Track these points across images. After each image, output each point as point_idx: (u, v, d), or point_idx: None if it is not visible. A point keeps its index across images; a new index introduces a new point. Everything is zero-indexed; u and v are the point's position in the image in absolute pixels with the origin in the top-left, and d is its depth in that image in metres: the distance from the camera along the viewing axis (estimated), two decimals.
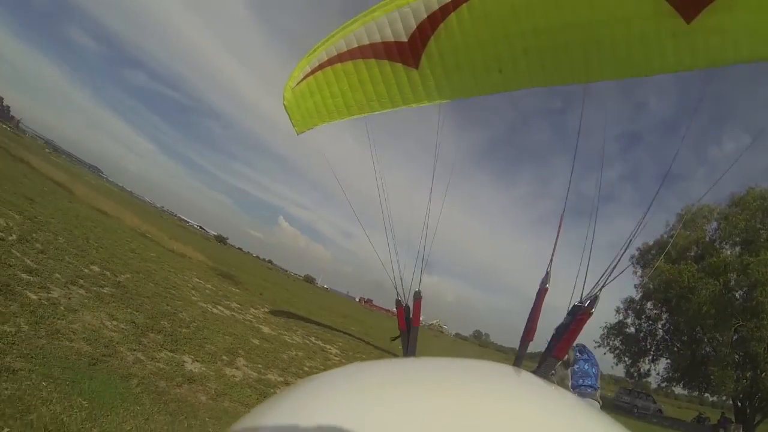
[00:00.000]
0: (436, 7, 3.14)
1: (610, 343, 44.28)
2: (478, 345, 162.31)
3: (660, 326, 43.00)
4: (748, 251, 33.83)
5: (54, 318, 6.95)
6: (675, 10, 2.74)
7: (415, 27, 3.20)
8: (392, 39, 3.32)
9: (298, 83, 4.17)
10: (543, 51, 3.14)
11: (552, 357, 1.89)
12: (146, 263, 16.36)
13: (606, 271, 2.09)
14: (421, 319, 2.83)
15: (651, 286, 40.74)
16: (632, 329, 43.92)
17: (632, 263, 42.44)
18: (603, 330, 44.82)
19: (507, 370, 0.86)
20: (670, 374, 42.11)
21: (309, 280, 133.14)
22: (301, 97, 4.29)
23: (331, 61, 3.80)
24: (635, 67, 3.15)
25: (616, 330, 44.24)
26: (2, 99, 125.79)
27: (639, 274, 42.37)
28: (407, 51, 3.36)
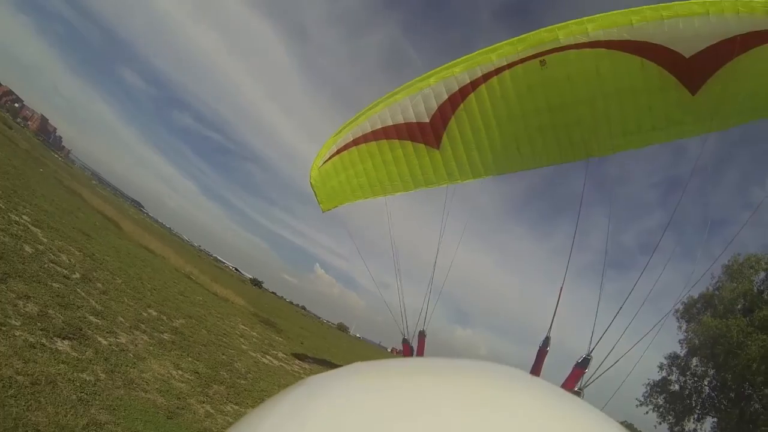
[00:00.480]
0: (456, 88, 3.22)
1: (653, 401, 41.15)
2: None
3: (706, 383, 39.96)
4: None
5: (126, 366, 6.83)
6: (680, 83, 2.87)
7: (437, 108, 3.26)
8: (414, 120, 3.37)
9: (324, 162, 4.19)
10: (557, 128, 3.22)
11: None
12: (195, 308, 16.38)
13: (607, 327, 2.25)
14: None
15: (696, 342, 38.43)
16: (676, 386, 40.81)
17: (677, 318, 40.20)
18: (646, 388, 42.10)
19: (516, 372, 0.84)
20: None
21: (342, 328, 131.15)
22: (326, 177, 4.29)
23: (356, 142, 3.81)
24: (644, 138, 3.29)
25: (659, 387, 41.26)
26: (55, 129, 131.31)
27: (684, 329, 39.97)
28: (429, 132, 3.41)
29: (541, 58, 3.13)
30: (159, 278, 18.04)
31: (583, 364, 2.39)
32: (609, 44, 2.96)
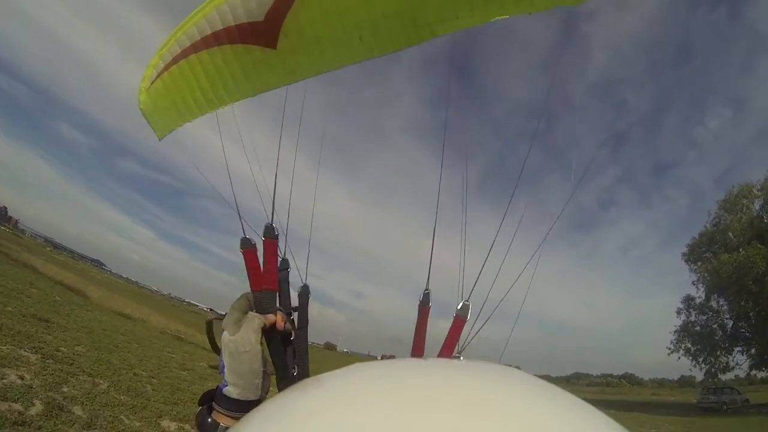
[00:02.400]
0: None
1: (683, 345, 42.65)
2: None
3: (728, 317, 41.02)
4: None
5: None
6: None
7: (270, 5, 2.83)
8: (246, 20, 2.93)
9: (152, 82, 3.40)
10: (400, 11, 2.90)
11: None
12: (207, 384, 12.23)
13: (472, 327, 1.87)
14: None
15: (712, 280, 38.74)
16: (697, 328, 42.19)
17: (684, 260, 42.38)
18: (673, 335, 43.59)
19: (516, 373, 0.82)
20: (754, 361, 39.64)
21: (330, 347, 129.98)
22: (157, 97, 3.53)
23: (185, 53, 3.17)
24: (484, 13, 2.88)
25: (684, 331, 42.70)
26: None
27: (695, 270, 41.40)
28: (263, 31, 2.99)
29: None
30: (150, 354, 14.34)
31: (462, 311, 1.78)
32: None
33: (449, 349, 1.75)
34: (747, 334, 39.59)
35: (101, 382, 8.62)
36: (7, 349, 8.02)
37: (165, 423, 7.74)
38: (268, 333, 1.70)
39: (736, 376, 43.76)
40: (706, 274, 39.93)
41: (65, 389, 7.31)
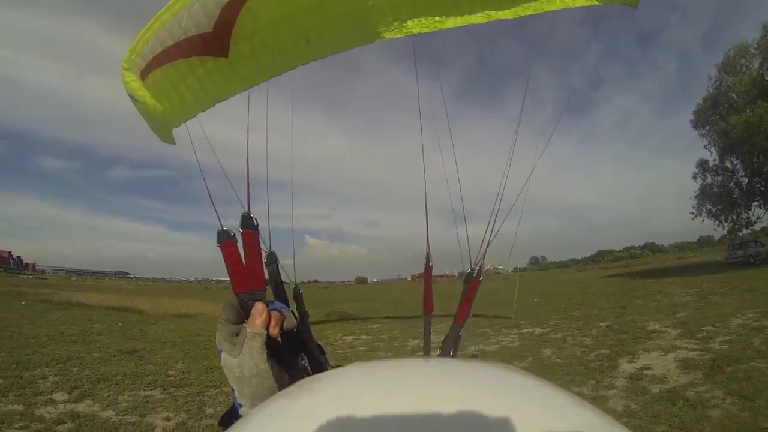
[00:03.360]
0: None
1: (704, 208, 44.65)
2: (538, 269, 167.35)
3: (742, 175, 42.41)
4: None
5: None
6: None
7: (218, 14, 2.28)
8: (196, 33, 2.36)
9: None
10: (346, 16, 2.56)
11: (455, 324, 1.55)
12: None
13: (487, 231, 1.71)
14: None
15: (724, 142, 39.81)
16: (715, 189, 43.76)
17: (692, 126, 43.85)
18: (694, 200, 45.60)
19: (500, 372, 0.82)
20: None
21: (361, 281, 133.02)
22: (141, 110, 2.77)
23: (141, 74, 2.47)
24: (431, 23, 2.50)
25: (704, 195, 44.47)
26: (10, 252, 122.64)
27: (704, 134, 42.76)
28: (213, 41, 2.45)
29: None
30: None
31: (479, 274, 1.60)
32: None
33: (466, 308, 1.64)
34: (762, 188, 41.11)
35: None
36: (132, 396, 8.15)
37: None
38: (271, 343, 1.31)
39: (752, 230, 46.01)
40: (716, 137, 40.65)
41: (209, 410, 7.48)
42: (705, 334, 11.27)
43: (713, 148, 42.36)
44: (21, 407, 7.25)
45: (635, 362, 9.47)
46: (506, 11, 2.81)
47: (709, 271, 34.67)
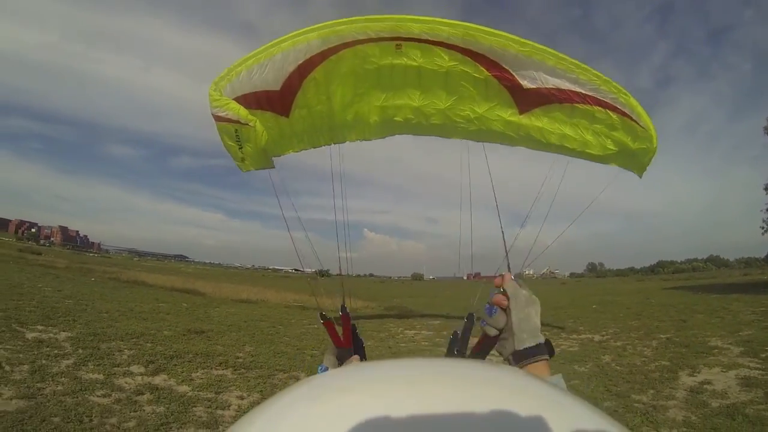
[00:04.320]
0: (307, 56, 3.27)
1: None
2: (595, 276, 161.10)
3: None
4: None
5: None
6: (514, 102, 3.41)
7: (287, 76, 3.26)
8: (264, 89, 3.31)
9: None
10: (398, 109, 3.60)
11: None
12: (375, 347, 12.41)
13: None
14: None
15: None
16: None
17: (766, 132, 40.10)
18: (765, 213, 42.50)
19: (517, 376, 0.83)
20: None
21: (417, 277, 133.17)
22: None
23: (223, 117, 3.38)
24: (464, 134, 3.76)
25: None
26: (77, 232, 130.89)
27: None
28: (279, 100, 3.37)
29: (397, 42, 3.23)
30: (300, 332, 14.82)
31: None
32: (465, 52, 3.23)
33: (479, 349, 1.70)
34: None
35: (297, 374, 8.82)
36: (205, 374, 8.23)
37: None
38: None
39: None
40: None
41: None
42: None
43: None
44: (101, 376, 7.49)
45: (696, 376, 9.10)
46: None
47: None
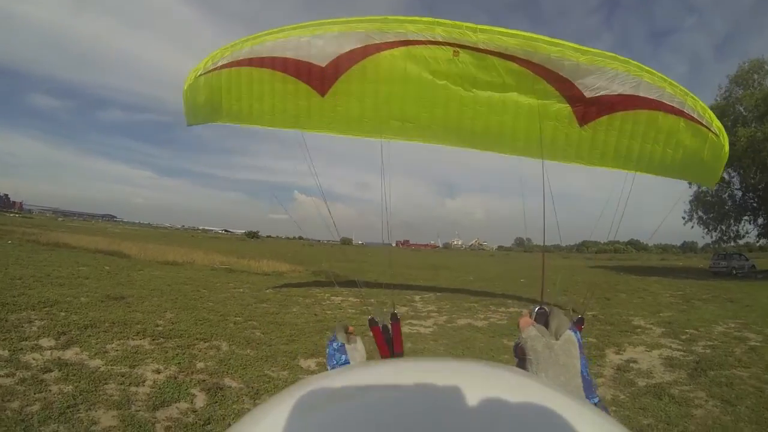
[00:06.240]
0: (362, 44, 3.35)
1: (696, 214, 46.37)
2: (523, 251, 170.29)
3: (737, 189, 43.94)
4: None
5: None
6: (574, 115, 3.48)
7: (336, 57, 3.30)
8: (311, 61, 3.35)
9: (205, 72, 3.85)
10: (442, 117, 3.85)
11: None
12: (292, 310, 12.63)
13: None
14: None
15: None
16: (709, 197, 44.79)
17: None
18: (689, 204, 46.37)
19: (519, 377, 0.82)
20: (761, 230, 43.86)
21: (345, 241, 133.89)
22: (201, 89, 4.00)
23: (251, 62, 3.61)
24: (517, 151, 3.95)
25: (697, 201, 45.76)
26: None
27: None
28: (320, 77, 3.40)
29: (455, 48, 3.33)
30: (224, 297, 14.83)
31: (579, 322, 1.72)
32: (524, 63, 3.26)
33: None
34: (754, 204, 43.03)
35: (218, 343, 8.80)
36: (121, 345, 8.10)
37: (303, 363, 7.97)
38: None
39: (735, 243, 47.67)
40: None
41: (200, 365, 7.43)
42: (688, 336, 11.49)
43: None
44: (6, 353, 7.01)
45: (621, 354, 9.69)
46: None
47: (692, 276, 35.39)
